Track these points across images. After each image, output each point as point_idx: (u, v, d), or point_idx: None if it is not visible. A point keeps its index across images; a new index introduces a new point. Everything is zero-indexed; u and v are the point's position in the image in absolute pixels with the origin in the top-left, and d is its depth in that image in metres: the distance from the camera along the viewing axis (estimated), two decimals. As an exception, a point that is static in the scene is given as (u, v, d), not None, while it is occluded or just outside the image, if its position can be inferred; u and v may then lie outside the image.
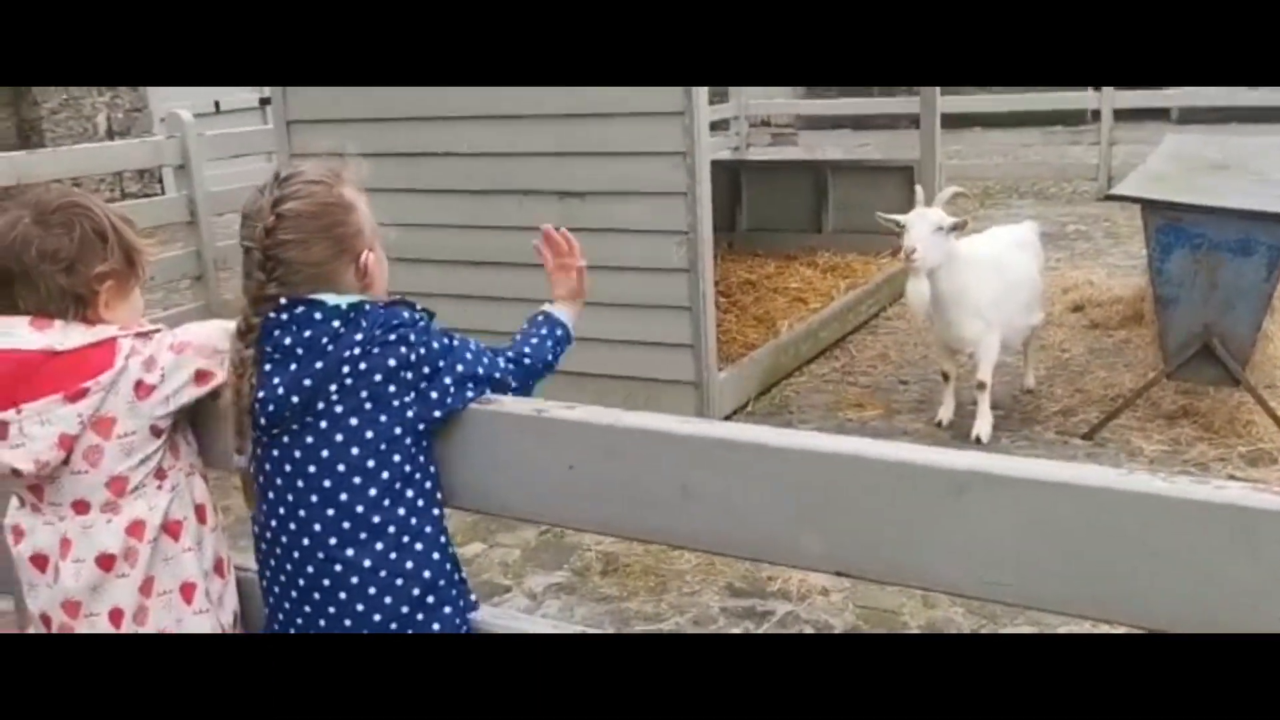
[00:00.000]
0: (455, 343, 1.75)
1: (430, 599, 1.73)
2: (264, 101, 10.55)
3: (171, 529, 1.78)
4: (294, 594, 1.74)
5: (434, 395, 1.70)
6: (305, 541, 1.70)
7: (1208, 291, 4.47)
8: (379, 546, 1.69)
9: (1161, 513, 1.24)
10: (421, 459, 1.72)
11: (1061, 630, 3.01)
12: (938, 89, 8.02)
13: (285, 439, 1.70)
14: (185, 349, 1.77)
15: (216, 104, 11.31)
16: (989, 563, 1.35)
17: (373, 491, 1.68)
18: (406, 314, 1.71)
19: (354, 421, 1.67)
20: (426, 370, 1.70)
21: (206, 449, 1.89)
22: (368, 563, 1.68)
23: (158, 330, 1.80)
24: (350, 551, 1.68)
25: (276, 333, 1.69)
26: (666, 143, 4.73)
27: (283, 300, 1.69)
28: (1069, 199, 10.81)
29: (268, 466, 1.73)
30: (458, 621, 1.77)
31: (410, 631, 1.71)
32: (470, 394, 1.73)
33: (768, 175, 8.78)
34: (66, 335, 1.71)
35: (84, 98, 11.23)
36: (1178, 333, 4.59)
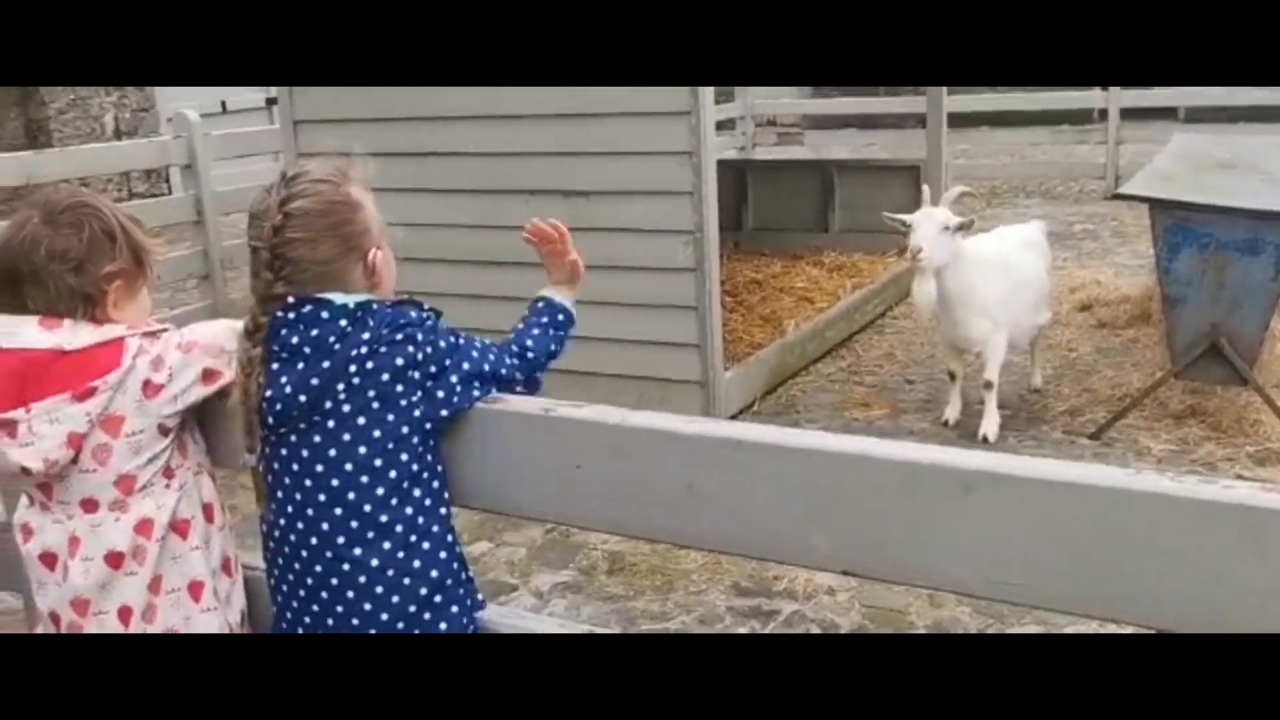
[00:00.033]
0: (461, 341, 1.76)
1: (438, 598, 1.73)
2: (270, 102, 10.55)
3: (179, 527, 1.79)
4: (302, 592, 1.74)
5: (440, 394, 1.71)
6: (313, 540, 1.71)
7: (1215, 291, 4.46)
8: (386, 545, 1.69)
9: (1169, 512, 1.23)
10: (429, 458, 1.73)
11: (1069, 630, 3.00)
12: (944, 88, 8.00)
13: (293, 438, 1.71)
14: (193, 348, 1.78)
15: (223, 104, 11.32)
16: (996, 562, 1.34)
17: (380, 490, 1.68)
18: (414, 313, 1.72)
19: (361, 420, 1.67)
20: (433, 369, 1.70)
21: (214, 448, 1.89)
22: (375, 561, 1.69)
23: (165, 330, 1.81)
24: (358, 550, 1.69)
25: (284, 332, 1.69)
26: (673, 142, 4.73)
27: (290, 299, 1.69)
28: (1076, 198, 10.79)
29: (276, 465, 1.74)
30: (465, 620, 1.78)
31: (417, 630, 1.71)
32: (477, 392, 1.73)
33: (774, 175, 8.78)
34: (75, 335, 1.72)
35: (91, 98, 11.25)
36: (1185, 332, 4.58)
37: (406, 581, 1.70)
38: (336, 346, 1.67)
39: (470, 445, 1.74)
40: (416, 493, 1.71)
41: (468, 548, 2.77)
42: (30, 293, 1.72)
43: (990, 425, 4.87)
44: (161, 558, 1.76)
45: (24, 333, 1.71)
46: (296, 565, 1.74)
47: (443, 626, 1.73)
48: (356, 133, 5.15)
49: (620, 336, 4.87)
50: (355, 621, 1.70)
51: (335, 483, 1.68)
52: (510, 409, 1.73)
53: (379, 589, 1.69)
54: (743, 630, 3.51)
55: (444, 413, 1.71)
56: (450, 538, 1.77)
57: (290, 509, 1.72)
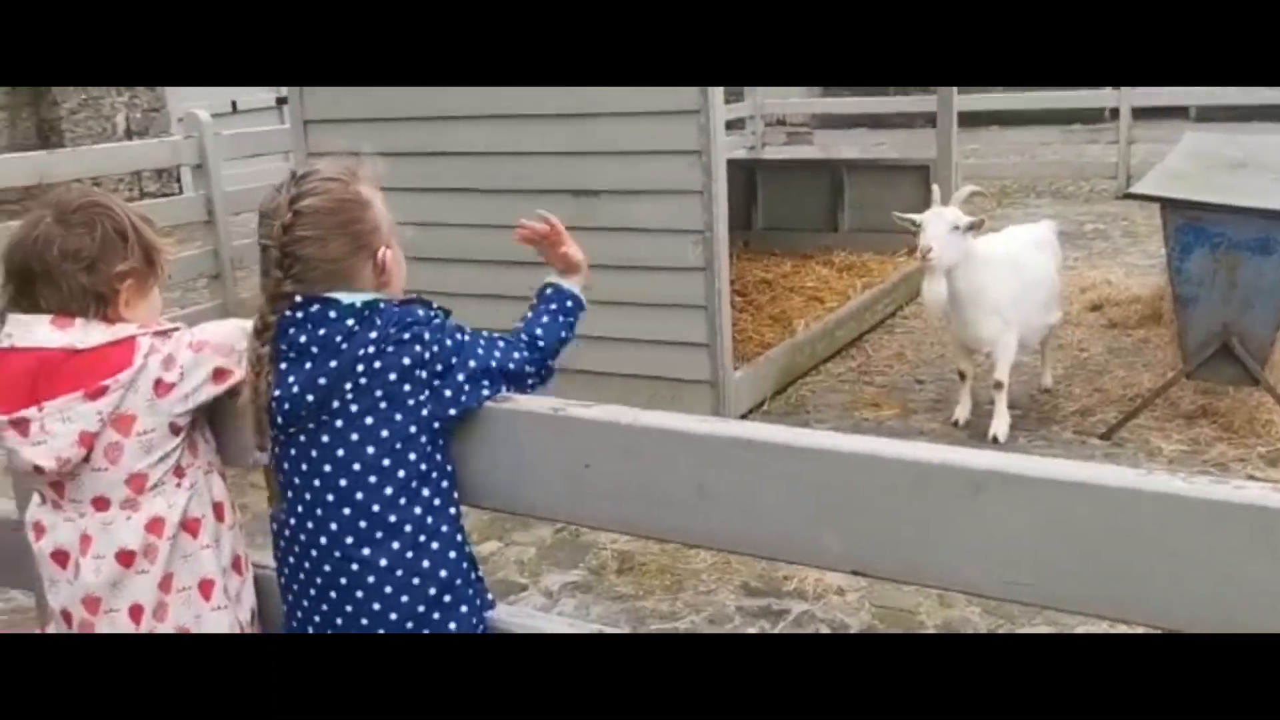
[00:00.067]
0: (468, 338, 1.75)
1: (447, 598, 1.73)
2: (281, 101, 10.59)
3: (190, 526, 1.79)
4: (312, 592, 1.74)
5: (448, 393, 1.70)
6: (322, 540, 1.71)
7: (1227, 291, 4.44)
8: (396, 545, 1.69)
9: (1180, 513, 1.23)
10: (438, 457, 1.73)
11: (1079, 630, 3.00)
12: (954, 88, 7.99)
13: (302, 437, 1.71)
14: (203, 347, 1.79)
15: (234, 104, 11.36)
16: (1006, 562, 1.34)
17: (389, 490, 1.69)
18: (421, 312, 1.72)
19: (369, 420, 1.68)
20: (440, 368, 1.70)
21: (224, 447, 1.90)
22: (384, 561, 1.69)
23: (176, 329, 1.81)
24: (367, 550, 1.69)
25: (292, 331, 1.70)
26: (682, 142, 4.72)
27: (298, 298, 1.70)
28: (1087, 198, 10.76)
29: (285, 465, 1.74)
30: (474, 620, 1.78)
31: (427, 630, 1.71)
32: (486, 391, 1.73)
33: (783, 174, 8.77)
34: (87, 334, 1.73)
35: (103, 98, 11.30)
36: (1197, 332, 4.57)
37: (416, 581, 1.70)
38: (344, 346, 1.68)
39: (481, 445, 1.74)
40: (425, 492, 1.71)
41: (477, 547, 2.78)
42: (43, 292, 1.73)
43: (1000, 425, 4.86)
44: (172, 556, 1.77)
45: (36, 331, 1.71)
46: (306, 564, 1.74)
47: (452, 626, 1.74)
48: (367, 132, 5.15)
49: (630, 336, 4.87)
50: (364, 621, 1.70)
51: (343, 482, 1.69)
52: (521, 409, 1.73)
53: (388, 589, 1.69)
54: (752, 630, 3.51)
55: (452, 411, 1.71)
56: (460, 537, 1.77)
57: (300, 508, 1.73)
